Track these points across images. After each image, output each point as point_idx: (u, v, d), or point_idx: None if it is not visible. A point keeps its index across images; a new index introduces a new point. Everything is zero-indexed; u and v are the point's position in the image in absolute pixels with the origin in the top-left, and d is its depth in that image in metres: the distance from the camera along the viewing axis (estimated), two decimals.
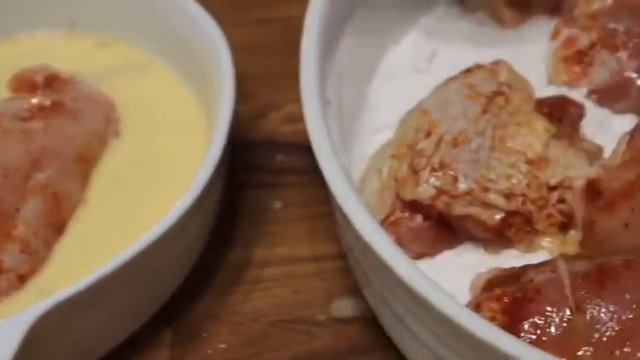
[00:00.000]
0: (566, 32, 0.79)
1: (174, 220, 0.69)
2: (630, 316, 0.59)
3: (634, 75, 0.76)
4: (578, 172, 0.69)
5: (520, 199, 0.69)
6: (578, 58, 0.78)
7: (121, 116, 0.82)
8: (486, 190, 0.69)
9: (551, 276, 0.62)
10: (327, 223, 0.78)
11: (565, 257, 0.64)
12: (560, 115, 0.75)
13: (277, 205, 0.82)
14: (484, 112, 0.72)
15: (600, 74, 0.77)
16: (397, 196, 0.71)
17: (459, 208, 0.69)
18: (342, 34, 0.79)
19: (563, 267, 0.62)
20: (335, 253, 0.78)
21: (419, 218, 0.71)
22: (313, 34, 0.74)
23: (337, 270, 0.78)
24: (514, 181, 0.70)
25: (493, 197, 0.69)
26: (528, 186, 0.69)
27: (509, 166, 0.70)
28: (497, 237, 0.70)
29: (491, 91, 0.74)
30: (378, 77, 0.83)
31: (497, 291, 0.63)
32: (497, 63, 0.76)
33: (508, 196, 0.69)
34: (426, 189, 0.70)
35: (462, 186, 0.69)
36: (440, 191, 0.69)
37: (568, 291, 0.60)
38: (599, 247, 0.66)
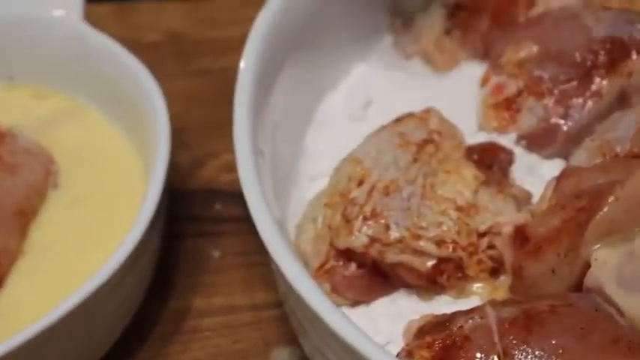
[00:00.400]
0: (494, 79, 0.81)
1: (108, 276, 0.69)
2: None
3: (560, 121, 0.77)
4: (506, 218, 0.71)
5: (451, 245, 0.70)
6: (506, 105, 0.79)
7: (59, 168, 0.83)
8: (418, 237, 0.70)
9: (480, 322, 0.63)
10: (265, 272, 0.79)
11: (493, 303, 0.65)
12: (490, 161, 0.76)
13: (216, 254, 0.83)
14: (415, 160, 0.74)
15: (528, 120, 0.78)
16: (331, 244, 0.72)
17: (392, 256, 0.70)
18: (277, 84, 0.79)
19: (491, 313, 0.63)
20: (273, 302, 0.79)
21: (353, 266, 0.71)
22: (246, 85, 0.75)
23: (275, 319, 0.78)
24: (444, 228, 0.70)
25: (424, 244, 0.70)
26: (458, 233, 0.70)
27: (440, 213, 0.71)
28: (429, 283, 0.71)
29: (422, 139, 0.75)
30: (315, 125, 0.84)
31: (428, 338, 0.63)
32: (427, 111, 0.78)
33: (439, 243, 0.70)
34: (358, 237, 0.70)
35: (394, 234, 0.70)
36: (372, 239, 0.70)
37: (496, 337, 0.61)
38: (527, 292, 0.67)
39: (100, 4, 1.01)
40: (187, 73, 0.97)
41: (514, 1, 0.85)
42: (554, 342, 0.60)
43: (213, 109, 0.92)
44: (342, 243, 0.71)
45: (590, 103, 0.77)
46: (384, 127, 0.77)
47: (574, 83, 0.78)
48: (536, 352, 0.60)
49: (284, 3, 0.81)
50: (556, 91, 0.78)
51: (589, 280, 0.64)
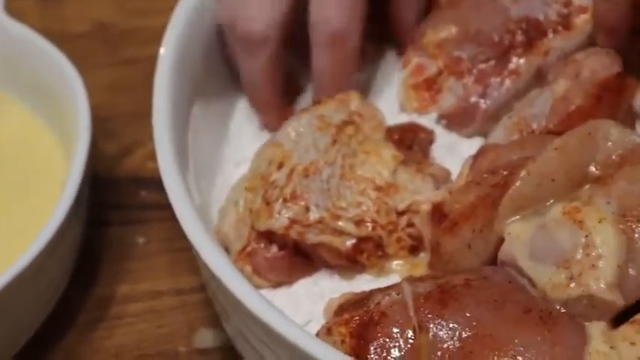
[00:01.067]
0: (415, 61, 0.80)
1: (28, 261, 0.68)
2: (470, 333, 0.59)
3: (479, 100, 0.77)
4: (424, 196, 0.70)
5: (370, 225, 0.70)
6: (427, 86, 0.79)
7: None
8: (337, 217, 0.70)
9: (396, 298, 0.62)
10: (190, 257, 0.77)
11: (410, 280, 0.64)
12: (411, 141, 0.76)
13: (141, 240, 0.83)
14: (334, 142, 0.73)
15: (448, 100, 0.78)
16: (252, 227, 0.71)
17: (312, 237, 0.70)
18: (197, 70, 0.79)
19: (407, 288, 0.62)
20: (197, 286, 0.79)
21: (274, 248, 0.71)
22: (165, 73, 0.75)
23: (199, 302, 0.78)
24: (364, 207, 0.70)
25: (344, 224, 0.70)
26: (378, 212, 0.70)
27: (359, 193, 0.71)
28: (350, 263, 0.70)
29: (341, 120, 0.75)
30: (238, 110, 0.84)
31: (346, 315, 0.63)
32: (347, 93, 0.77)
33: (358, 222, 0.70)
34: (278, 220, 0.70)
35: (314, 215, 0.70)
36: (292, 221, 0.70)
37: (411, 312, 0.61)
38: (445, 268, 0.67)
39: None
40: (115, 63, 0.97)
41: None
42: (468, 314, 0.60)
43: (140, 98, 0.90)
44: (263, 225, 0.70)
45: (508, 82, 0.77)
46: (303, 111, 0.77)
47: (492, 62, 0.78)
48: (451, 325, 0.60)
49: None
50: (475, 71, 0.78)
51: (503, 254, 0.64)
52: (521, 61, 0.77)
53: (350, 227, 0.70)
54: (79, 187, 0.73)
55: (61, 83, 0.81)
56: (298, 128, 0.75)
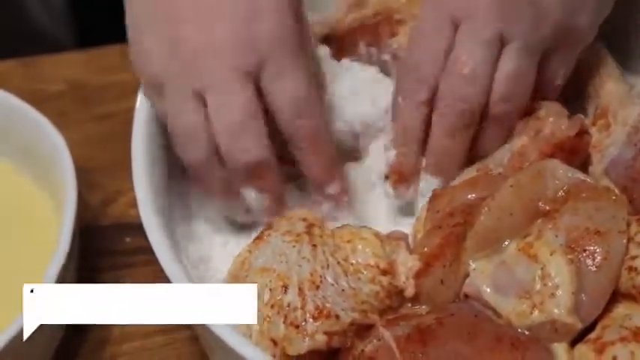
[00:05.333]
0: None
1: None
2: None
3: None
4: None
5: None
6: None
7: None
8: (365, 313, 0.61)
9: (379, 344, 0.59)
10: None
11: (383, 324, 0.60)
12: None
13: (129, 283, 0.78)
14: (314, 246, 0.63)
15: None
16: (284, 354, 0.60)
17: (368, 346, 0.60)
18: None
19: (386, 333, 0.59)
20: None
21: None
22: (142, 122, 0.72)
23: (187, 339, 0.74)
24: (381, 294, 0.62)
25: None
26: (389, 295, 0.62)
27: (370, 281, 0.62)
28: None
29: (304, 226, 0.65)
30: None
31: None
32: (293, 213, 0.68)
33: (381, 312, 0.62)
34: (318, 339, 0.60)
35: (347, 319, 0.61)
36: (330, 334, 0.60)
37: (397, 354, 0.58)
38: (423, 304, 0.63)
39: (5, 60, 0.95)
40: (93, 117, 0.91)
41: None
42: (448, 348, 0.58)
43: (118, 149, 0.85)
44: (300, 349, 0.59)
45: None
46: (266, 232, 0.66)
47: None
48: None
49: None
50: None
51: (468, 287, 0.61)
52: None
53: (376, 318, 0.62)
54: (71, 237, 0.69)
55: (44, 141, 0.76)
56: (276, 249, 0.64)
